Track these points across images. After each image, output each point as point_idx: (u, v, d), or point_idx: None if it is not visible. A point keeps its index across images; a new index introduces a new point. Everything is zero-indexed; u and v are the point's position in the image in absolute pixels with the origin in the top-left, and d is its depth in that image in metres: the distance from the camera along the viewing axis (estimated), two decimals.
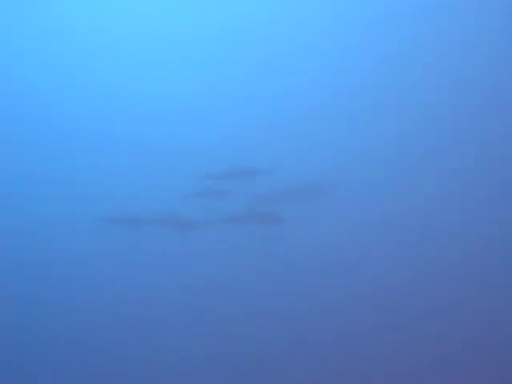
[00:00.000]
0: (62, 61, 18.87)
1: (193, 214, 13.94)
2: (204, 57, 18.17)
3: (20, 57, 19.38)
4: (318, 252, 15.93)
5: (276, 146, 17.12)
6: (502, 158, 16.98)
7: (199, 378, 13.72)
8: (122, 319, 15.45)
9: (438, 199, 16.73)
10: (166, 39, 18.85)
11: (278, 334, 14.57)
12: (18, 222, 17.59)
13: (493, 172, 16.86)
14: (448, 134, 17.48)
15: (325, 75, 17.92)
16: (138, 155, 18.38)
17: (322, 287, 15.31)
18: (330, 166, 16.53)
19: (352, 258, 15.87)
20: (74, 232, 17.25)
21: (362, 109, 17.73)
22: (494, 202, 16.45)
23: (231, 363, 13.97)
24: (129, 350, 14.56)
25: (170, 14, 18.65)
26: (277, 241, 14.56)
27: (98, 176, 18.24)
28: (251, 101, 18.12)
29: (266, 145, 17.07)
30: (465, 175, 16.94)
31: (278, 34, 17.97)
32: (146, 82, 18.45)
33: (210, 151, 17.16)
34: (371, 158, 17.38)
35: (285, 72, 18.06)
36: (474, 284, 15.21)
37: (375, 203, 16.72)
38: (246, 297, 15.38)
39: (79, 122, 18.96)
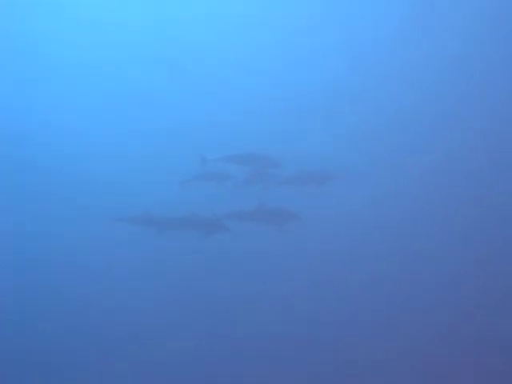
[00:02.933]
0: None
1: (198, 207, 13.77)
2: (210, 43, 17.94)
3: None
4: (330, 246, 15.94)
5: (280, 134, 16.99)
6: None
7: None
8: (141, 322, 15.62)
9: (442, 189, 16.61)
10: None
11: (289, 329, 14.74)
12: (32, 223, 17.62)
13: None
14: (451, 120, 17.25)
15: (327, 67, 17.65)
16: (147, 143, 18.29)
17: (332, 284, 15.39)
18: (334, 155, 16.41)
19: (361, 251, 15.87)
20: (88, 232, 17.24)
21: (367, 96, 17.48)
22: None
23: (241, 362, 14.14)
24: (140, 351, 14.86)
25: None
26: (288, 238, 14.47)
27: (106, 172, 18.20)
28: (254, 90, 17.97)
29: (270, 133, 16.94)
30: (468, 167, 16.77)
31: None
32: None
33: (215, 137, 16.96)
34: (376, 144, 17.21)
35: (290, 63, 17.85)
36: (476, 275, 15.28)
37: (383, 189, 16.62)
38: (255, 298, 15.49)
39: (84, 119, 18.87)
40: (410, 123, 17.41)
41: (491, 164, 16.68)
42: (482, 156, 16.69)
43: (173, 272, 16.40)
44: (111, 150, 18.44)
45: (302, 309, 15.06)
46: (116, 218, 14.32)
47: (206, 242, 13.68)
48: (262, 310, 15.14)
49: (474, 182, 16.51)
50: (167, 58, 18.75)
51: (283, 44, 18.04)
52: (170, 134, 18.20)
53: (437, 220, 16.25)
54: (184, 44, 18.63)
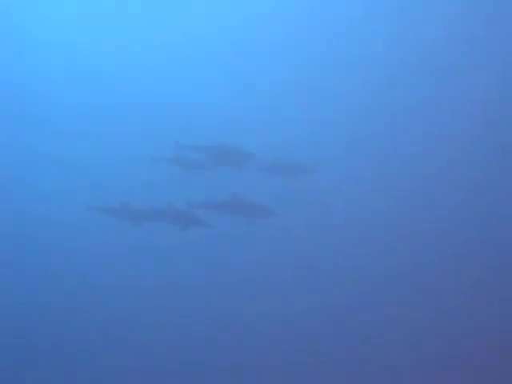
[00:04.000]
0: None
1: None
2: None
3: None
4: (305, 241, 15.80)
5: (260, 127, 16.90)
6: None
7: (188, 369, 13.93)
8: (118, 312, 15.49)
9: (421, 184, 16.49)
10: None
11: (262, 325, 14.68)
12: (13, 215, 17.44)
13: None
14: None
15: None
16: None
17: (306, 280, 15.32)
18: (312, 148, 16.33)
19: (338, 246, 15.71)
20: (68, 222, 17.06)
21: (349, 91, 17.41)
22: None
23: (217, 357, 14.17)
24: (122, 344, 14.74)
25: None
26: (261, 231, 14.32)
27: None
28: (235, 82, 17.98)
29: (251, 126, 16.84)
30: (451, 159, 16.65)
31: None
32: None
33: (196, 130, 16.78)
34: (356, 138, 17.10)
35: (265, 54, 17.86)
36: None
37: (360, 185, 16.51)
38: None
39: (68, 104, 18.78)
40: (390, 118, 17.26)
41: (459, 151, 16.60)
42: (455, 144, 16.61)
43: (147, 261, 16.31)
44: (85, 137, 18.34)
45: (272, 300, 15.03)
46: (91, 207, 14.16)
47: (181, 234, 13.56)
48: (235, 299, 15.13)
49: (453, 171, 16.50)
50: (144, 45, 18.74)
51: (256, 33, 17.97)
52: (145, 122, 18.12)
53: (414, 214, 16.14)
54: (163, 33, 18.64)
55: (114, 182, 16.71)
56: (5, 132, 18.13)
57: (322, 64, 17.61)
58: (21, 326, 15.00)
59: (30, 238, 16.90)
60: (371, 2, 17.64)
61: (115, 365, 14.35)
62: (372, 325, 14.54)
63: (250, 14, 18.02)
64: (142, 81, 18.48)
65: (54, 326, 15.19)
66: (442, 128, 16.87)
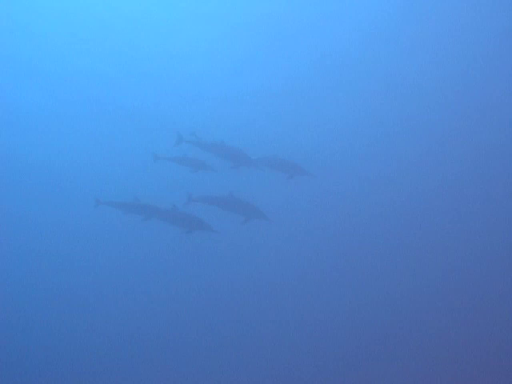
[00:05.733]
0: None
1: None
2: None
3: None
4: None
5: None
6: None
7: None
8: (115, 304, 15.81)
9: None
10: None
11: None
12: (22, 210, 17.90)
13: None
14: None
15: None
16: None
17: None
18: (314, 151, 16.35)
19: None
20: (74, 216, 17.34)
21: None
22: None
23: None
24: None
25: None
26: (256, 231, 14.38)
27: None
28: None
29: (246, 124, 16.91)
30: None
31: None
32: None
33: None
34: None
35: (269, 54, 17.88)
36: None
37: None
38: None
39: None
40: (390, 123, 17.13)
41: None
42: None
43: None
44: (93, 135, 18.75)
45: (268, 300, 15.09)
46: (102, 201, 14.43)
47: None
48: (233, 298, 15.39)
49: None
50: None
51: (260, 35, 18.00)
52: (148, 120, 18.44)
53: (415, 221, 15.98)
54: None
55: (117, 180, 17.05)
56: None
57: (325, 69, 17.65)
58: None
59: (41, 230, 17.35)
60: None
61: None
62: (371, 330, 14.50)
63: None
64: (144, 81, 18.81)
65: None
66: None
